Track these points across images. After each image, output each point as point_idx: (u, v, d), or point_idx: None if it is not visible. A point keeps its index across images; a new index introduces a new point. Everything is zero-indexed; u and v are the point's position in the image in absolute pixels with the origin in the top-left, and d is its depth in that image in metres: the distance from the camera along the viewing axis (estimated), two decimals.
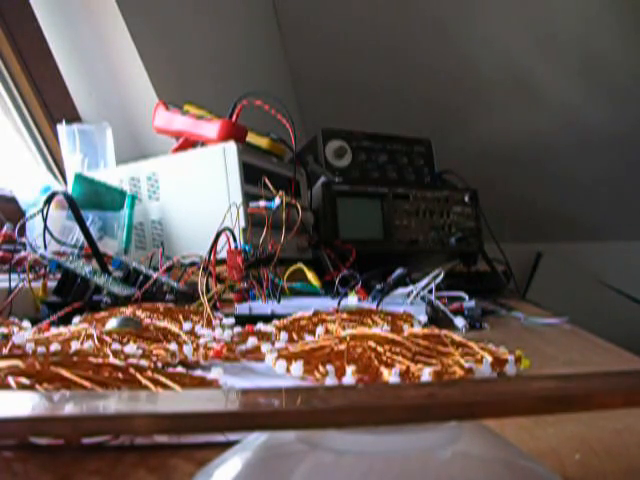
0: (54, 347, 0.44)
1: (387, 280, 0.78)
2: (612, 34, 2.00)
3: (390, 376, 0.39)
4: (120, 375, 0.34)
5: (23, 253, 0.76)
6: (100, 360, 0.36)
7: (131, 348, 0.44)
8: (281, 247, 0.84)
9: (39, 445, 0.28)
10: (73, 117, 1.29)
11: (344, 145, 1.36)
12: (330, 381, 0.39)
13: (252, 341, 0.51)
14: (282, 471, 0.20)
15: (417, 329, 0.49)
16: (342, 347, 0.43)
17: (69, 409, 0.20)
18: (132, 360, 0.39)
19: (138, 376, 0.34)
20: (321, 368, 0.40)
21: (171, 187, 1.02)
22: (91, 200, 0.93)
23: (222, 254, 0.80)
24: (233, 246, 0.81)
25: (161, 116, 1.11)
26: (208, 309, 0.62)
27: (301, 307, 0.65)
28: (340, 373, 0.40)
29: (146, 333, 0.50)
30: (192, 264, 0.85)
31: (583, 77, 2.10)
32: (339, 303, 0.70)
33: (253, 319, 0.64)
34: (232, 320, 0.62)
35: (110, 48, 1.33)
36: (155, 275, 0.75)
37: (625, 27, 1.99)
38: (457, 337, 0.45)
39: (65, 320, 0.61)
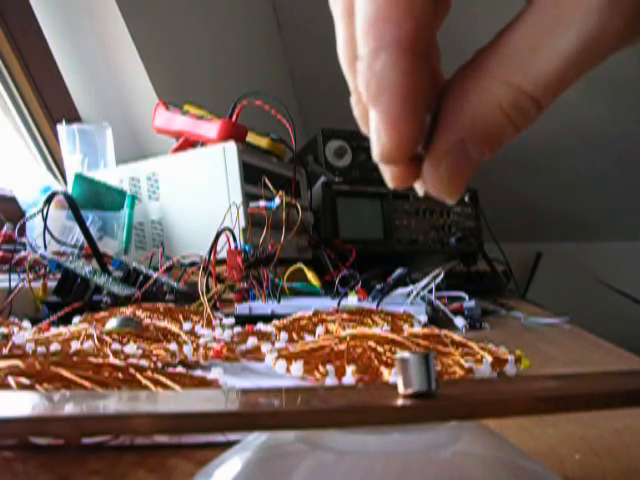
0: (54, 347, 0.44)
1: (387, 280, 0.78)
2: None
3: (390, 376, 0.39)
4: (120, 375, 0.34)
5: (23, 253, 0.76)
6: (100, 360, 0.36)
7: (131, 348, 0.44)
8: (281, 247, 0.84)
9: (39, 445, 0.28)
10: (73, 117, 1.29)
11: (344, 145, 1.36)
12: (330, 381, 0.39)
13: (252, 341, 0.51)
14: (282, 471, 0.20)
15: (417, 329, 0.49)
16: (342, 347, 0.43)
17: (69, 409, 0.20)
18: (132, 360, 0.38)
19: (138, 376, 0.34)
20: (321, 368, 0.40)
21: (171, 187, 1.02)
22: (91, 200, 0.93)
23: (222, 254, 0.80)
24: (233, 246, 0.81)
25: (161, 116, 1.11)
26: (208, 309, 0.62)
27: (301, 307, 0.65)
28: (340, 373, 0.40)
29: (146, 333, 0.50)
30: (192, 264, 0.85)
31: (583, 76, 2.10)
32: (339, 303, 0.70)
33: (253, 319, 0.64)
34: (232, 320, 0.62)
35: (110, 48, 1.33)
36: (155, 275, 0.75)
37: None
38: (457, 337, 0.45)
39: (65, 320, 0.61)
